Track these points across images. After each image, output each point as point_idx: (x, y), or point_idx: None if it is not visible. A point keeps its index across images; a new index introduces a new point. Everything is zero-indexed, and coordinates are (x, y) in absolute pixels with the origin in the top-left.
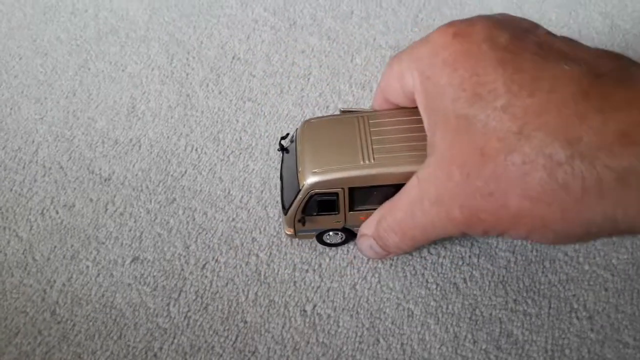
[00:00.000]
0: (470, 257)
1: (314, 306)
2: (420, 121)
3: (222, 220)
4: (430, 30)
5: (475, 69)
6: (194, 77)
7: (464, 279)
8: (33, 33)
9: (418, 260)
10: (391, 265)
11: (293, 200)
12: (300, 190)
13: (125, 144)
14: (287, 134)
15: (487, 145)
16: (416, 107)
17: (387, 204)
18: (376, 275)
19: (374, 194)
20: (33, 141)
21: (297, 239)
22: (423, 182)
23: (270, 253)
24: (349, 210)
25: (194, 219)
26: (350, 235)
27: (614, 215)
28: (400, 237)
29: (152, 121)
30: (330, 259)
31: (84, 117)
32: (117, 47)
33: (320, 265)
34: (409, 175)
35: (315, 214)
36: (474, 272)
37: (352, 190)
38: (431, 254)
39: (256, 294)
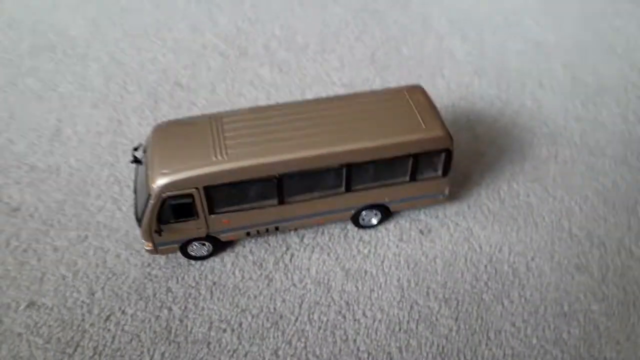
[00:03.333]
0: (408, 322)
1: None
2: (274, 116)
3: (136, 265)
4: (386, 70)
5: None
6: (130, 101)
7: (399, 348)
8: None
9: (351, 323)
10: (320, 328)
11: (145, 208)
12: (151, 195)
13: (43, 170)
14: (140, 144)
15: None
16: (273, 105)
17: None
18: (302, 339)
19: (233, 193)
20: None
21: (159, 254)
22: None
23: (186, 307)
24: (210, 214)
25: (105, 261)
26: (217, 244)
27: None
28: None
29: (77, 147)
30: (253, 318)
31: (1, 138)
32: (52, 64)
33: (240, 324)
34: (264, 168)
35: (172, 221)
36: (410, 340)
37: (208, 190)
38: (366, 316)
39: (163, 354)
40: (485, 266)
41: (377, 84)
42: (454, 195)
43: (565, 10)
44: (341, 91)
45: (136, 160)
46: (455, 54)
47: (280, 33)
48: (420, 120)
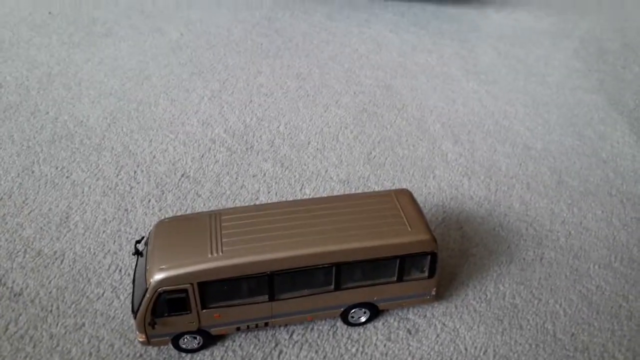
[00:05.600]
0: None
1: None
2: (269, 215)
3: (128, 355)
4: (381, 168)
5: None
6: (138, 191)
7: None
8: None
9: None
10: None
11: (141, 301)
12: (147, 289)
13: (49, 256)
14: (143, 237)
15: None
16: (269, 203)
17: None
18: None
19: (226, 288)
20: None
21: (151, 346)
22: None
23: None
24: (202, 309)
25: (98, 350)
26: (208, 338)
27: None
28: None
29: (83, 234)
30: None
31: (12, 223)
32: (68, 152)
33: None
34: (256, 266)
35: (166, 314)
36: None
37: (202, 285)
38: None
39: None
40: None
41: (371, 181)
42: (442, 294)
43: (553, 116)
44: (338, 186)
45: (137, 252)
46: (447, 156)
47: (284, 130)
48: (407, 224)
